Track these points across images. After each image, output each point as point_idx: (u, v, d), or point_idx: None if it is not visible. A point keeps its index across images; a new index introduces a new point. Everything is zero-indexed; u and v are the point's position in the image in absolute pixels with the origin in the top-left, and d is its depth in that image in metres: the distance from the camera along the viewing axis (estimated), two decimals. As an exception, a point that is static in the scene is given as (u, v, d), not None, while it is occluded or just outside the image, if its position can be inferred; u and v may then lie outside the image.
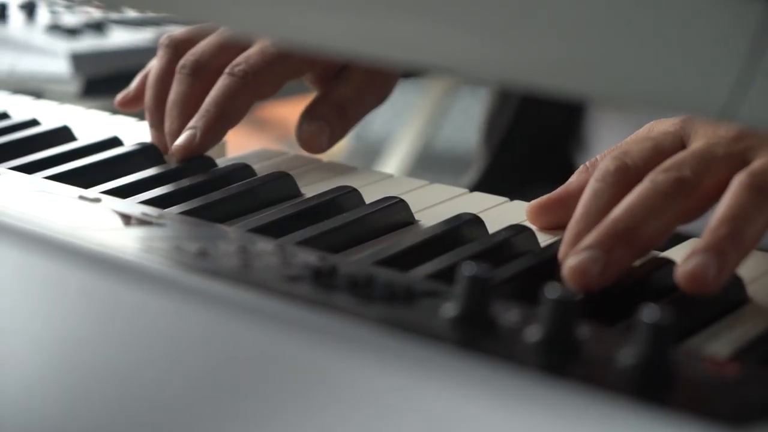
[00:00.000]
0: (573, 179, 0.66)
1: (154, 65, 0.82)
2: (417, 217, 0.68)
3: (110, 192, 0.68)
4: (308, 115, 0.80)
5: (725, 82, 0.39)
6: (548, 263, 0.59)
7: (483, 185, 1.05)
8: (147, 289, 0.50)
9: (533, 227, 0.65)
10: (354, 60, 0.77)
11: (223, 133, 0.78)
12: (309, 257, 0.53)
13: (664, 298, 0.56)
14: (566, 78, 0.41)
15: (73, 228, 0.57)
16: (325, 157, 0.81)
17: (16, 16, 1.21)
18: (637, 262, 0.58)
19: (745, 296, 0.58)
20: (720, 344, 0.52)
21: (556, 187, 0.67)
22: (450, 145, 3.12)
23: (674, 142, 0.62)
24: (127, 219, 0.60)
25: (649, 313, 0.43)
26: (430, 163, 2.84)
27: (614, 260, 0.55)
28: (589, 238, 0.55)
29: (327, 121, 0.80)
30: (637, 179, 0.58)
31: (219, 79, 0.78)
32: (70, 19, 1.22)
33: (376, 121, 3.39)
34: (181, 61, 0.80)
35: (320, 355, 0.45)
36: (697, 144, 0.61)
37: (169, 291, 0.50)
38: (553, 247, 0.61)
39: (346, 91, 0.81)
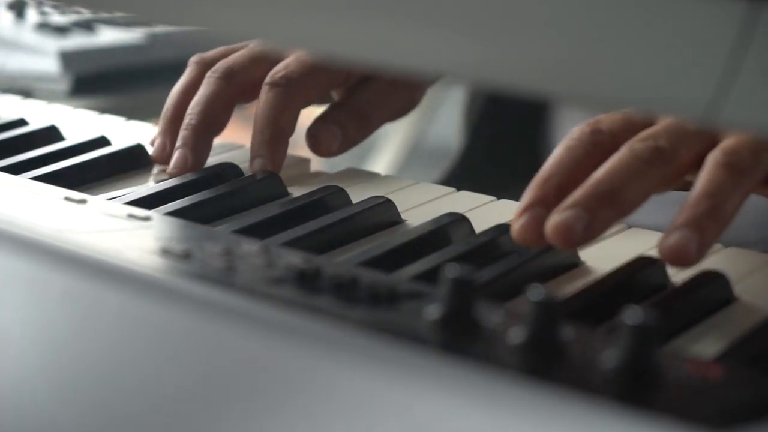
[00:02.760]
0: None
1: (180, 80, 0.80)
2: (404, 216, 0.68)
3: (96, 192, 0.68)
4: (322, 118, 0.79)
5: (707, 84, 0.38)
6: (533, 264, 0.59)
7: (463, 168, 1.06)
8: (132, 291, 0.50)
9: None
10: (339, 63, 0.76)
11: (284, 147, 0.76)
12: (294, 259, 0.53)
13: (650, 298, 0.56)
14: (549, 80, 0.41)
15: (59, 230, 0.57)
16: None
17: (4, 14, 1.20)
18: (622, 262, 0.58)
19: (731, 295, 0.58)
20: (705, 344, 0.52)
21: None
22: (443, 140, 3.12)
23: (644, 116, 0.62)
24: (113, 220, 0.60)
25: (632, 315, 0.43)
26: (421, 158, 2.84)
27: (597, 220, 0.55)
28: (572, 198, 0.55)
29: (341, 126, 0.78)
30: (610, 145, 0.58)
31: (261, 94, 0.76)
32: (59, 17, 1.22)
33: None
34: (212, 68, 0.78)
35: (303, 358, 0.45)
36: (668, 119, 0.60)
37: (153, 294, 0.49)
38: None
39: (367, 97, 0.80)
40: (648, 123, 0.61)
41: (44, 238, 0.55)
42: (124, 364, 0.49)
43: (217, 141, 0.82)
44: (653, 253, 0.61)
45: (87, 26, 1.20)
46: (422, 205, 0.69)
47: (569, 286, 0.58)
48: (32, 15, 1.21)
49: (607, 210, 0.55)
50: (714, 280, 0.57)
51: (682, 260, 0.53)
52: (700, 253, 0.54)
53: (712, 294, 0.57)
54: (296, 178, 0.74)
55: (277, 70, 0.76)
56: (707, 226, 0.54)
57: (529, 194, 0.57)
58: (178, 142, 0.76)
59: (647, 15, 0.39)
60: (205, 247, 0.55)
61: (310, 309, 0.47)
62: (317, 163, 0.79)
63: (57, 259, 0.53)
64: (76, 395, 0.51)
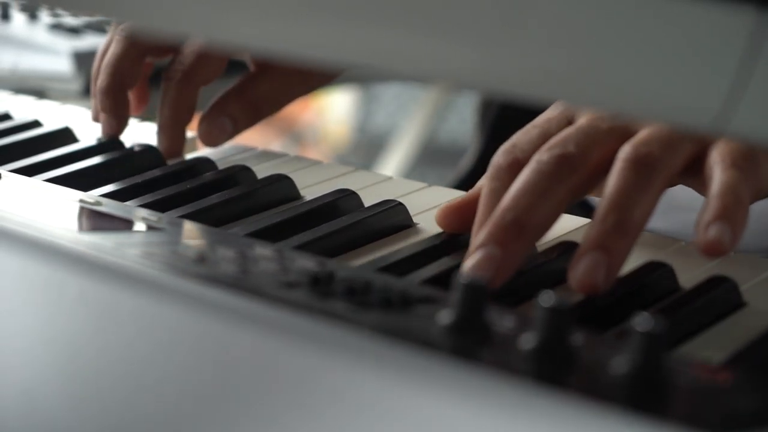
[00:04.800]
0: (479, 183, 0.64)
1: (109, 51, 0.84)
2: (415, 219, 0.68)
3: (110, 195, 0.69)
4: (215, 108, 0.83)
5: (717, 93, 0.39)
6: (545, 268, 0.59)
7: (479, 169, 1.06)
8: (145, 295, 0.50)
9: None
10: (337, 67, 0.78)
11: (120, 97, 0.82)
12: (307, 263, 0.54)
13: (659, 302, 0.56)
14: (556, 89, 0.42)
15: (73, 232, 0.58)
16: (330, 150, 0.81)
17: (18, 15, 1.21)
18: (632, 266, 0.59)
19: (740, 300, 0.58)
20: (715, 349, 0.53)
21: None
22: (453, 138, 3.12)
23: (560, 125, 0.61)
24: (126, 223, 0.61)
25: (642, 322, 0.43)
26: (433, 156, 2.85)
27: (509, 253, 0.55)
28: (481, 235, 0.56)
29: (232, 118, 0.82)
30: None
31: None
32: (71, 18, 1.22)
33: (379, 113, 3.39)
34: (120, 27, 0.83)
35: (316, 362, 0.46)
36: (581, 121, 0.60)
37: (166, 297, 0.50)
38: (549, 250, 0.61)
39: (264, 88, 0.84)
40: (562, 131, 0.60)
41: (58, 241, 0.55)
42: (137, 367, 0.50)
43: (230, 143, 0.83)
44: (663, 256, 0.61)
45: (99, 27, 1.20)
46: (434, 208, 0.69)
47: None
48: (45, 16, 1.22)
49: (517, 240, 0.55)
50: (723, 284, 0.57)
51: (593, 289, 0.54)
52: (612, 275, 0.54)
53: (721, 299, 0.57)
54: (308, 180, 0.75)
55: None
56: (615, 245, 0.54)
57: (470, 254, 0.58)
58: (99, 106, 0.82)
59: (657, 24, 0.39)
60: (218, 250, 0.55)
61: (323, 313, 0.48)
62: (329, 165, 0.79)
63: (71, 261, 0.53)
64: (89, 396, 0.51)
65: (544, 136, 0.60)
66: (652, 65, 0.39)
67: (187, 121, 0.82)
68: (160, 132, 0.82)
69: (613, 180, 0.56)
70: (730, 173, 0.56)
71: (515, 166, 0.59)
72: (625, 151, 0.56)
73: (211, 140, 0.83)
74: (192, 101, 0.82)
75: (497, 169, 0.60)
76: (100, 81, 0.82)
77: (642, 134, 0.58)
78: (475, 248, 0.55)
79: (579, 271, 0.54)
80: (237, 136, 0.84)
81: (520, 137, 0.61)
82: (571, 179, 0.57)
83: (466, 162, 1.11)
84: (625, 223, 0.54)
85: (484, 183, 0.60)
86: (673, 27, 0.39)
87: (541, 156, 0.57)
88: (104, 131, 0.82)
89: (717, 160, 0.57)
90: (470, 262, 0.55)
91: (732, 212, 0.55)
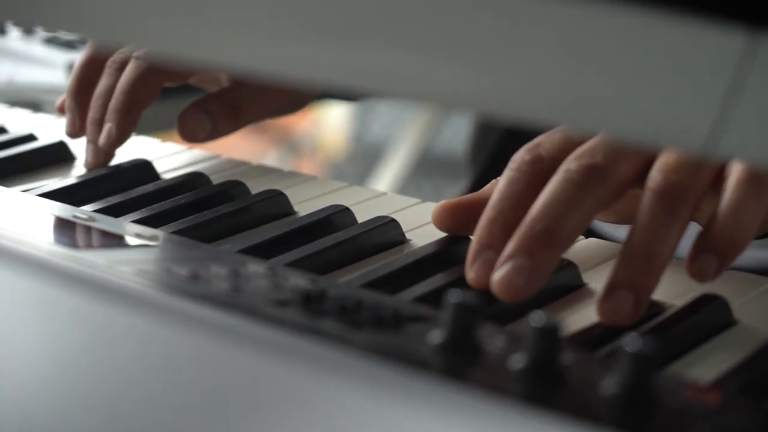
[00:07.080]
0: (485, 188, 0.65)
1: (126, 75, 0.83)
2: (408, 236, 0.68)
3: (103, 210, 0.69)
4: (194, 104, 0.82)
5: (706, 115, 0.39)
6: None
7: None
8: (137, 312, 0.50)
9: None
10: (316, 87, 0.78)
11: (136, 120, 0.80)
12: (299, 280, 0.54)
13: (651, 320, 0.56)
14: (546, 110, 0.42)
15: (65, 248, 0.58)
16: (326, 160, 0.81)
17: (14, 28, 1.21)
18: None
19: (731, 319, 0.58)
20: (705, 368, 0.53)
21: None
22: (449, 149, 3.12)
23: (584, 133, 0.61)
24: (119, 239, 0.61)
25: (632, 343, 0.43)
26: (429, 167, 2.85)
27: (538, 264, 0.55)
28: (510, 246, 0.56)
29: (211, 116, 0.81)
30: (551, 171, 0.58)
31: (126, 67, 0.81)
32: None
33: (375, 123, 3.39)
34: (113, 57, 0.82)
35: (308, 381, 0.46)
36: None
37: (159, 315, 0.50)
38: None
39: (244, 92, 0.83)
40: (587, 138, 0.60)
41: (50, 257, 0.55)
42: (129, 385, 0.50)
43: (223, 158, 0.83)
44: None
45: (95, 40, 1.20)
46: (427, 224, 0.70)
47: (571, 309, 0.59)
48: (41, 29, 1.22)
49: (547, 250, 0.55)
50: (714, 302, 0.58)
51: (621, 322, 0.54)
52: (639, 310, 0.55)
53: (711, 317, 0.57)
54: (302, 195, 0.75)
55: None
56: (643, 281, 0.55)
57: (477, 238, 0.58)
58: (108, 119, 0.79)
59: (645, 46, 0.39)
60: (211, 267, 0.55)
61: (315, 332, 0.48)
62: (323, 181, 0.80)
63: (63, 278, 0.53)
64: (81, 414, 0.51)
65: (567, 140, 0.60)
66: (642, 87, 0.39)
67: (140, 109, 0.80)
68: (112, 114, 0.79)
69: (642, 214, 0.56)
70: (740, 192, 0.56)
71: (538, 162, 0.59)
72: (654, 180, 0.56)
73: (188, 135, 0.81)
74: (153, 90, 0.80)
75: (520, 162, 0.60)
76: (115, 103, 0.79)
77: (671, 157, 0.57)
78: (504, 260, 0.55)
79: (609, 308, 0.54)
80: (217, 138, 0.82)
81: (543, 138, 0.61)
82: (599, 190, 0.57)
83: (466, 183, 1.11)
84: (653, 261, 0.55)
85: (501, 176, 0.60)
86: (662, 48, 0.39)
87: (570, 165, 0.57)
88: (104, 141, 0.79)
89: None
90: (498, 273, 0.55)
91: (725, 243, 0.55)
